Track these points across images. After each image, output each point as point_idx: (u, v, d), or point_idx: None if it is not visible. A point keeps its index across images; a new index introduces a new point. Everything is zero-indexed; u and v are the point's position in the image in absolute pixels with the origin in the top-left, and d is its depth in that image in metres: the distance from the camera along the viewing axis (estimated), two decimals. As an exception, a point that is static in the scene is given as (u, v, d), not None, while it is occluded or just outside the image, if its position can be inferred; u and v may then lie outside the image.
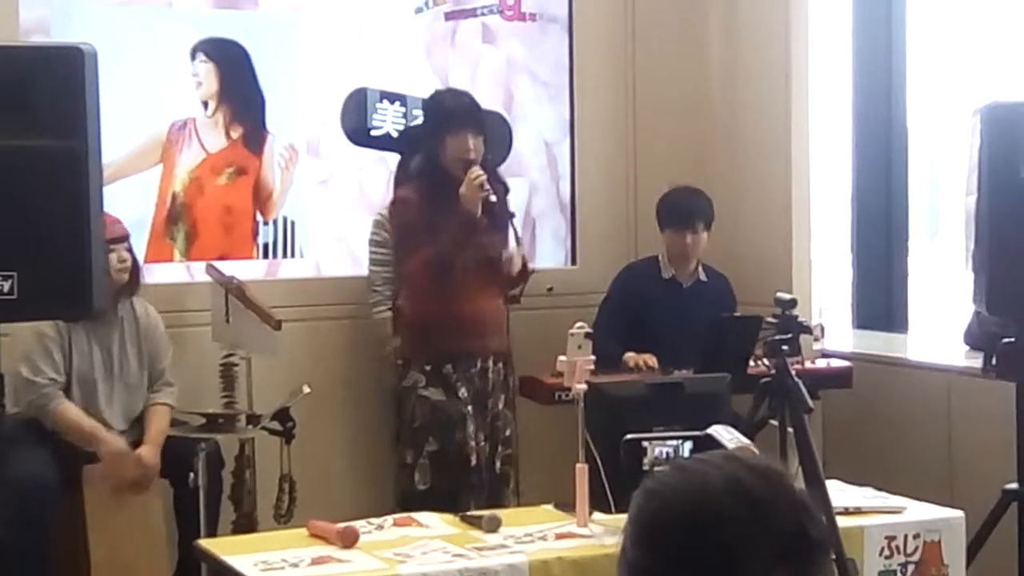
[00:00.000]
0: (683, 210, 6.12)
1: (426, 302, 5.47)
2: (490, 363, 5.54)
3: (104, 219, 5.14)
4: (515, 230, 5.52)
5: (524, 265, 5.57)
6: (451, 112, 5.54)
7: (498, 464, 5.52)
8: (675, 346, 5.83)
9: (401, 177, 5.93)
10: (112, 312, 5.34)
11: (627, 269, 6.32)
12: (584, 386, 4.27)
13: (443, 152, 5.45)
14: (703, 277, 6.20)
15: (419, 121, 6.19)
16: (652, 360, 5.87)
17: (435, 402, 5.42)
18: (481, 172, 5.34)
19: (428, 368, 5.44)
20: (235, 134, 6.07)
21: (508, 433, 5.57)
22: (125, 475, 5.26)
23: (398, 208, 5.60)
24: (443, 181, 5.41)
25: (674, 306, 6.05)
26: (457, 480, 5.37)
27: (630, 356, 5.89)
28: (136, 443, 5.37)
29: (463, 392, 5.42)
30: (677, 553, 1.76)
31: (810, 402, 4.50)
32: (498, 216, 5.49)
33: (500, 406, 5.57)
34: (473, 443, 5.42)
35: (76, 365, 5.34)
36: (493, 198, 5.34)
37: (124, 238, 5.41)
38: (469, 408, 5.42)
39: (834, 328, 6.81)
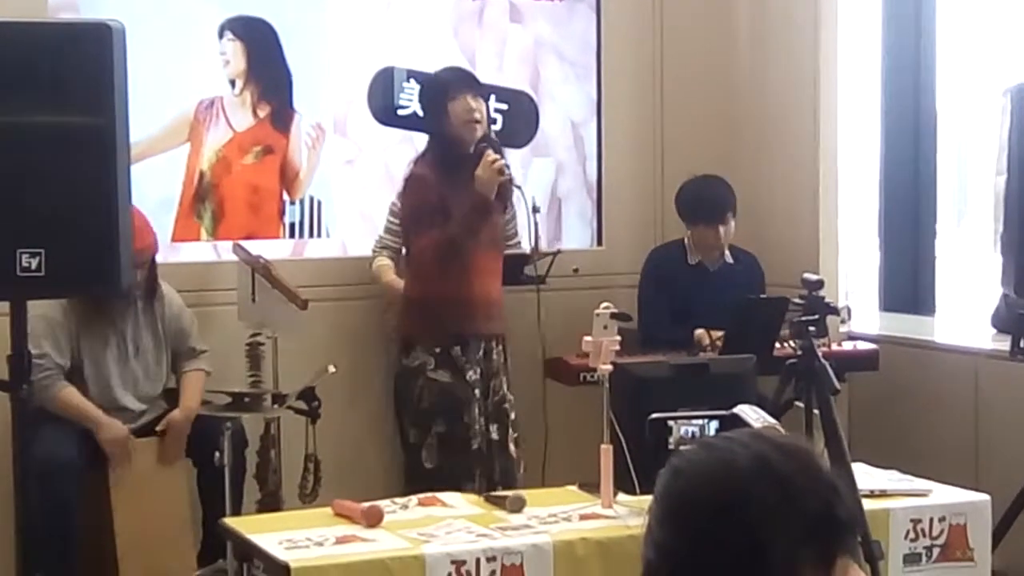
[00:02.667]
0: (711, 204, 6.08)
1: (435, 282, 5.45)
2: (493, 345, 5.52)
3: (145, 234, 5.15)
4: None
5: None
6: (446, 82, 5.55)
7: (512, 448, 5.51)
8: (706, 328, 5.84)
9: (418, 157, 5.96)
10: (125, 298, 5.30)
11: (653, 253, 6.30)
12: (609, 367, 4.27)
13: (448, 122, 5.43)
14: (729, 259, 6.17)
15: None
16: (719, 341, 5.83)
17: (444, 384, 5.40)
18: (501, 160, 5.32)
19: (437, 350, 5.43)
20: (262, 113, 6.07)
21: (514, 416, 5.56)
22: (127, 461, 5.27)
23: (412, 185, 5.56)
24: (454, 153, 5.38)
25: (702, 290, 6.03)
26: (461, 462, 5.37)
27: (702, 333, 5.87)
28: (153, 423, 5.38)
29: (471, 375, 5.41)
30: (703, 532, 1.76)
31: (836, 384, 4.49)
32: (505, 198, 5.48)
33: (504, 388, 5.55)
34: (477, 427, 5.41)
35: (87, 348, 5.34)
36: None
37: (145, 263, 5.33)
38: (476, 392, 5.41)
39: (861, 310, 6.79)
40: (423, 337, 5.49)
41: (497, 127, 6.02)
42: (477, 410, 5.42)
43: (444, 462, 5.37)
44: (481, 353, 5.48)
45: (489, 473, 5.44)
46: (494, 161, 5.31)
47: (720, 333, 5.80)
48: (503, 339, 5.59)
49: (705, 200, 6.09)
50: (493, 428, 5.50)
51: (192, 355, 5.52)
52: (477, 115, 5.42)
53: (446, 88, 5.49)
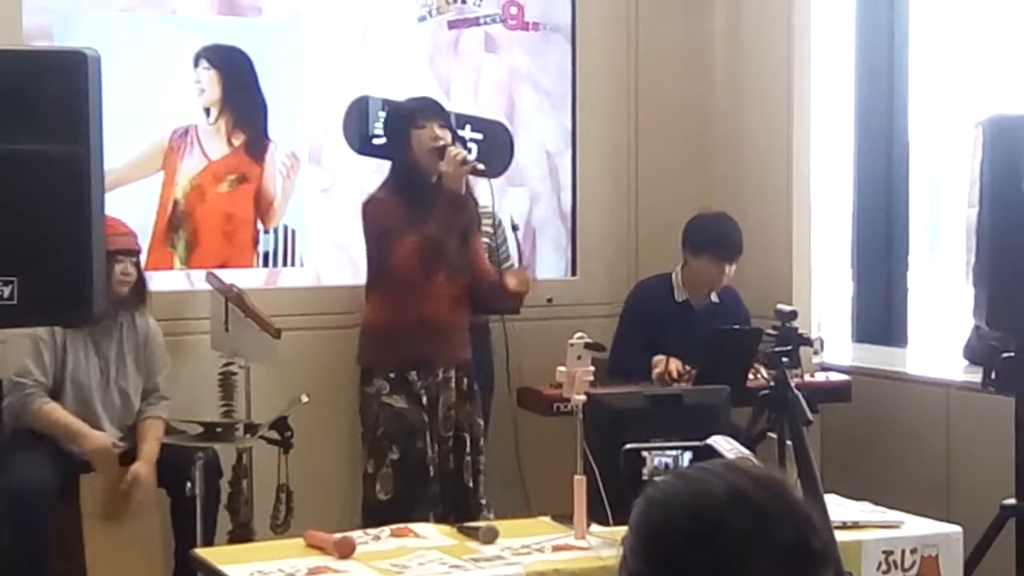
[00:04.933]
0: (727, 242, 5.99)
1: (398, 304, 5.41)
2: (452, 373, 5.47)
3: (120, 228, 5.23)
4: (517, 243, 5.54)
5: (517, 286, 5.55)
6: (412, 110, 5.52)
7: (467, 476, 5.48)
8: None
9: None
10: (112, 320, 5.34)
11: (640, 286, 6.27)
12: (583, 397, 4.26)
13: (411, 150, 5.41)
14: (715, 299, 6.14)
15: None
16: (676, 371, 5.81)
17: (399, 410, 5.37)
18: (462, 151, 5.31)
19: (392, 375, 5.40)
20: (237, 141, 6.07)
21: (481, 444, 5.52)
22: (113, 473, 5.25)
23: (373, 208, 5.51)
24: (417, 179, 5.35)
25: (685, 329, 5.94)
26: (417, 491, 5.34)
27: (659, 359, 5.85)
28: (131, 451, 5.36)
29: (425, 400, 5.39)
30: (678, 562, 1.76)
31: (809, 415, 4.49)
32: (464, 222, 5.45)
33: (461, 417, 5.50)
34: (431, 453, 5.39)
35: (71, 370, 5.33)
36: (481, 166, 5.30)
37: (134, 252, 5.40)
38: (426, 417, 5.39)
39: (833, 342, 6.80)
40: (380, 362, 5.46)
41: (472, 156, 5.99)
42: (429, 436, 5.38)
43: (399, 491, 5.33)
44: (439, 380, 5.43)
45: (444, 501, 5.38)
46: (456, 154, 5.30)
47: (677, 363, 5.79)
48: (466, 366, 5.55)
49: (721, 236, 6.01)
50: (450, 458, 5.46)
51: (155, 396, 5.49)
52: (442, 143, 5.38)
53: (412, 116, 5.47)
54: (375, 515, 5.11)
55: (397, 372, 5.38)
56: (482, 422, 5.59)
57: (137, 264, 5.43)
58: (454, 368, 5.47)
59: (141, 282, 5.45)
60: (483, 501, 5.48)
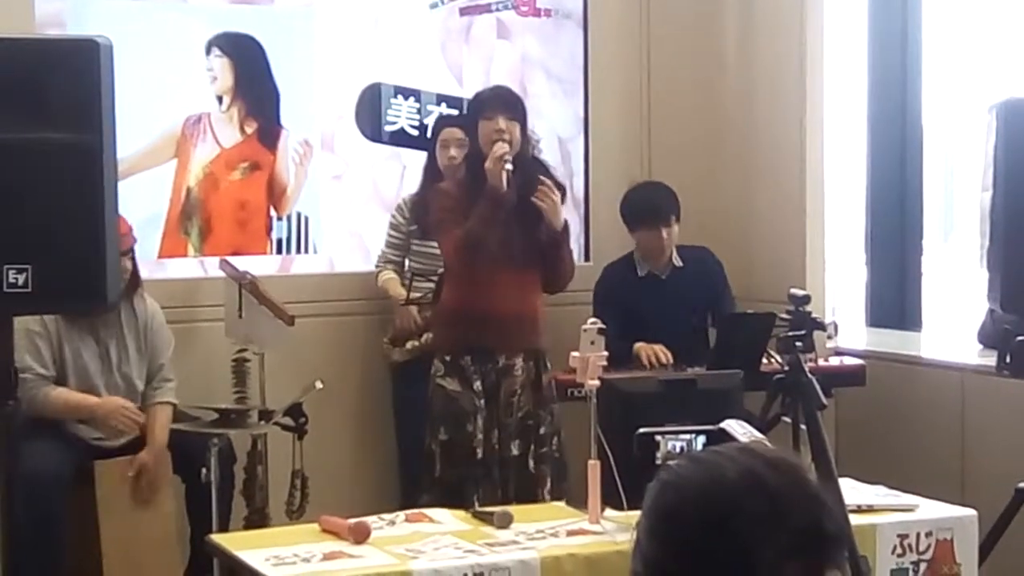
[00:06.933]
0: (652, 207, 6.08)
1: (458, 292, 5.41)
2: (518, 361, 5.45)
3: (120, 227, 5.23)
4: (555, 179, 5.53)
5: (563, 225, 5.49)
6: (485, 99, 5.49)
7: (531, 463, 5.46)
8: (666, 337, 5.89)
9: (428, 173, 5.97)
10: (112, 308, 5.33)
11: (605, 271, 6.28)
12: (597, 382, 4.27)
13: (478, 138, 5.39)
14: (678, 263, 6.15)
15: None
16: (663, 354, 5.86)
17: (450, 392, 5.38)
18: (504, 146, 5.27)
19: (448, 358, 5.40)
20: (250, 129, 6.08)
21: (543, 432, 5.49)
22: (131, 426, 5.31)
23: (435, 198, 5.54)
24: (480, 168, 5.34)
25: (657, 299, 6.03)
26: (463, 472, 5.34)
27: (641, 347, 5.88)
28: (136, 441, 5.38)
29: (477, 386, 5.38)
30: (692, 545, 1.76)
31: (823, 399, 4.49)
32: (532, 216, 5.41)
33: (531, 405, 5.48)
34: (481, 437, 5.38)
35: (71, 360, 5.34)
36: (510, 167, 5.27)
37: (130, 250, 5.39)
38: (482, 402, 5.37)
39: (847, 326, 6.79)
40: (439, 344, 5.48)
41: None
42: (482, 422, 5.37)
43: (446, 471, 5.35)
44: (499, 366, 5.41)
45: (503, 486, 5.38)
46: (497, 150, 5.25)
47: (661, 348, 5.81)
48: (536, 355, 5.50)
49: (645, 205, 6.11)
50: (514, 444, 5.43)
51: (159, 379, 5.50)
52: (506, 136, 5.33)
53: (483, 105, 5.45)
54: (437, 490, 5.13)
55: (452, 356, 5.37)
56: (546, 412, 5.53)
57: (132, 258, 5.42)
58: (520, 356, 5.43)
59: (135, 274, 5.45)
60: (546, 490, 5.44)
